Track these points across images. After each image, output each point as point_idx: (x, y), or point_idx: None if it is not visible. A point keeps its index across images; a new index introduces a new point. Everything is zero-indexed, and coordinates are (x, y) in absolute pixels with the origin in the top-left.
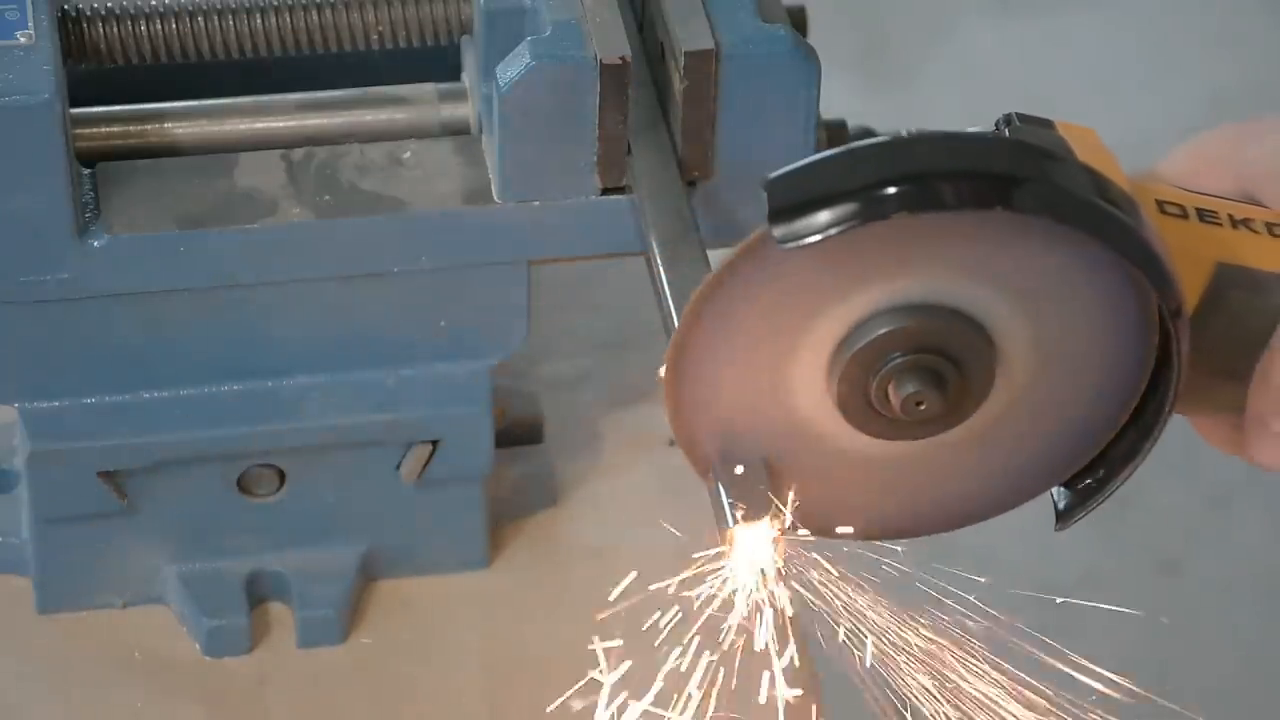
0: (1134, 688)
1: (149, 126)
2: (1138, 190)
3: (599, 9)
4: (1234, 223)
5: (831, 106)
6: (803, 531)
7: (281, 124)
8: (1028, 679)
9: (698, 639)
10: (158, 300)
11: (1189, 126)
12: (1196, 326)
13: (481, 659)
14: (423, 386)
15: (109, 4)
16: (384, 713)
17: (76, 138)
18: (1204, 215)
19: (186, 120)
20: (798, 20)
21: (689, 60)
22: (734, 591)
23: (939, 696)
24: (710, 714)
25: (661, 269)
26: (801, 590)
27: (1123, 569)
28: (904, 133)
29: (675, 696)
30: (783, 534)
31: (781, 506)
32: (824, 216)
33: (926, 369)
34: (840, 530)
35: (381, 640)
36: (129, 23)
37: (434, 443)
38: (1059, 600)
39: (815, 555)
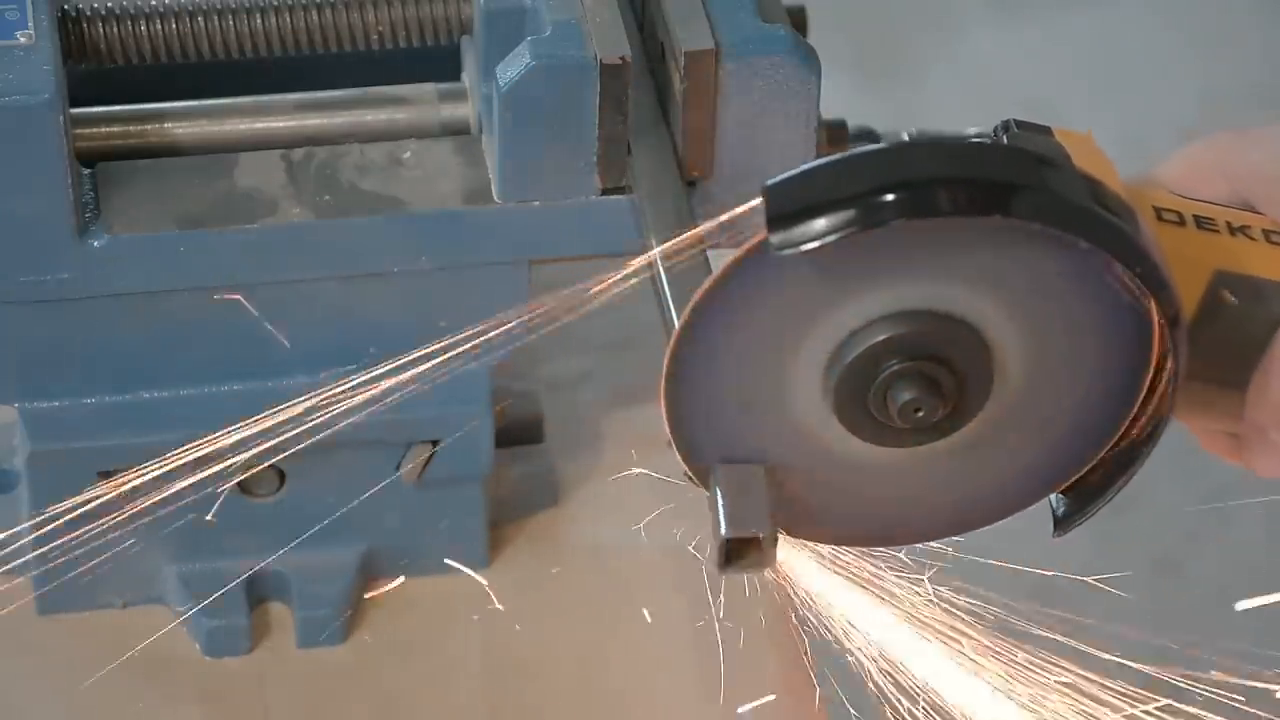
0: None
1: (149, 126)
2: (1135, 197)
3: (599, 9)
4: (1232, 230)
5: (831, 106)
6: (799, 538)
7: (281, 124)
8: (1027, 678)
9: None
10: (158, 300)
11: (1188, 127)
12: (1194, 334)
13: (481, 659)
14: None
15: (109, 4)
16: (384, 712)
17: (76, 138)
18: (1201, 222)
19: (186, 120)
20: (798, 20)
21: (689, 60)
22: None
23: (939, 694)
24: None
25: (661, 269)
26: (802, 590)
27: (1122, 569)
28: (904, 135)
29: None
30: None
31: (778, 512)
32: (822, 223)
33: (924, 376)
34: (837, 536)
35: (381, 640)
36: (129, 23)
37: (434, 443)
38: (1059, 601)
39: (815, 554)
